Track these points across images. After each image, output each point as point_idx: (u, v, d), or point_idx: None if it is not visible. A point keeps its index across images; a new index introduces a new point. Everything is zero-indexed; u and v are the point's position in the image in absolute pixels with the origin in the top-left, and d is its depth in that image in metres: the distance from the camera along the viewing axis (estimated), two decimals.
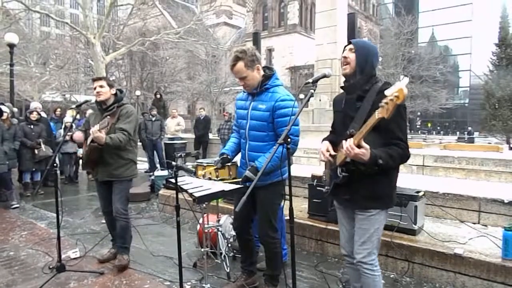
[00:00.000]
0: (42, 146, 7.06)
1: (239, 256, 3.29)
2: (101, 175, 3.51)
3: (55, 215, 3.35)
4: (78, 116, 8.02)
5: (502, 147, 8.00)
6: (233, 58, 2.69)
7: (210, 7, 20.31)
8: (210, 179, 3.11)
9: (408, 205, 3.47)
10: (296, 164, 6.86)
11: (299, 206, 4.50)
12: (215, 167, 2.92)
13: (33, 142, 6.98)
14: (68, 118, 8.33)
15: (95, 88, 3.43)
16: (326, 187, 2.37)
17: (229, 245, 3.68)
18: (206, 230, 3.31)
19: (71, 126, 3.75)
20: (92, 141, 3.26)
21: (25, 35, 22.65)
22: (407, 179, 4.35)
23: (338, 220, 2.46)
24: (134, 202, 6.18)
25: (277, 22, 42.48)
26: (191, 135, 12.47)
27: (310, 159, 7.09)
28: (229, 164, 3.03)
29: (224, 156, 2.90)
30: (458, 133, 38.21)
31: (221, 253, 3.49)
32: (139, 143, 9.94)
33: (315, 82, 2.14)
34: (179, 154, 6.05)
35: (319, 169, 5.13)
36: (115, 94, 3.53)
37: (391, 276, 3.35)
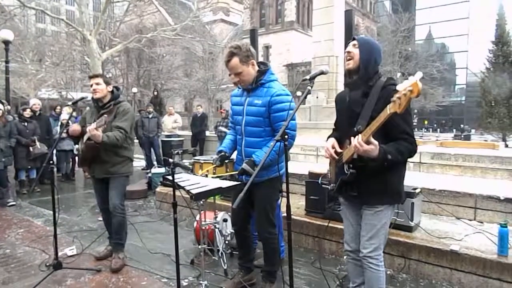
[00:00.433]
0: (37, 143, 7.02)
1: (237, 253, 3.30)
2: (98, 173, 3.51)
3: (51, 212, 3.35)
4: (74, 113, 8.01)
5: (498, 144, 8.04)
6: (227, 54, 2.69)
7: (207, 4, 20.24)
8: (207, 176, 3.11)
9: (405, 202, 3.47)
10: (293, 161, 6.87)
11: (296, 203, 4.51)
12: (214, 165, 2.91)
13: (28, 140, 6.94)
14: (64, 115, 8.29)
15: (91, 85, 3.42)
16: (331, 185, 2.37)
17: (227, 242, 3.69)
18: (203, 227, 3.31)
19: (67, 123, 3.73)
20: (89, 139, 3.25)
21: (21, 31, 22.50)
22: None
23: (343, 216, 2.46)
24: (131, 200, 6.17)
25: (274, 19, 42.36)
26: (188, 132, 12.44)
27: (307, 156, 7.10)
28: (227, 161, 3.03)
29: (222, 153, 2.90)
30: (454, 130, 38.36)
31: (218, 250, 3.49)
32: (136, 141, 9.92)
33: (312, 79, 2.14)
34: (176, 151, 6.07)
35: (316, 166, 5.15)
36: (112, 92, 3.51)
37: (388, 272, 3.36)
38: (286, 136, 2.01)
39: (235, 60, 2.66)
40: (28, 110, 7.27)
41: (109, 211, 3.55)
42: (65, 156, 8.38)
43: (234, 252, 3.67)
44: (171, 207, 2.76)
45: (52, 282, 3.16)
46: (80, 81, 29.90)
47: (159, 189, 5.97)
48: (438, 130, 41.48)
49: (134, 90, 30.07)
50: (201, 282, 2.98)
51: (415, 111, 39.21)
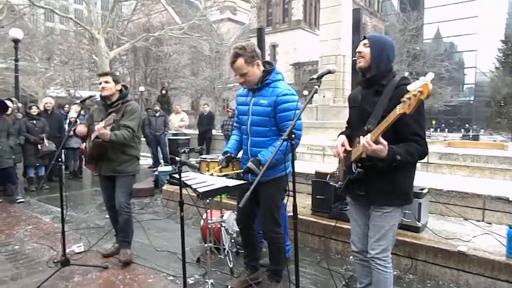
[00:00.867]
0: (45, 141, 7.09)
1: (243, 251, 3.30)
2: (105, 171, 3.53)
3: (59, 209, 3.38)
4: (82, 112, 8.06)
5: (507, 144, 7.94)
6: (232, 54, 2.68)
7: (214, 2, 20.22)
8: (212, 174, 3.12)
9: (412, 202, 3.45)
10: (299, 161, 6.85)
11: (302, 203, 4.50)
12: (220, 166, 2.91)
13: (36, 138, 7.01)
14: (72, 114, 8.36)
15: (100, 83, 3.44)
16: (339, 183, 2.35)
17: (233, 240, 3.69)
18: (209, 226, 3.32)
19: (76, 121, 3.76)
20: (97, 137, 3.27)
21: (30, 30, 22.68)
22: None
23: (350, 216, 2.44)
24: (138, 198, 6.21)
25: (281, 18, 42.29)
26: (195, 131, 12.48)
27: (313, 156, 7.08)
28: (233, 162, 3.03)
29: (228, 154, 2.90)
30: (462, 130, 38.02)
31: (224, 249, 3.50)
32: (143, 139, 9.98)
33: (319, 78, 2.13)
34: (182, 150, 6.10)
35: (323, 166, 5.14)
36: (120, 91, 3.53)
37: (394, 273, 3.33)
38: (293, 136, 2.01)
39: (240, 61, 2.66)
40: (35, 107, 7.32)
41: (116, 209, 3.58)
42: (73, 154, 8.46)
43: (240, 251, 3.67)
44: (177, 205, 2.77)
45: (59, 278, 3.19)
46: (88, 80, 30.12)
47: (166, 187, 6.00)
48: (446, 130, 41.14)
49: (141, 88, 30.22)
50: (207, 280, 2.98)
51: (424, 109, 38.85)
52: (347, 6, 8.92)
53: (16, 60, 10.66)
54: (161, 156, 10.01)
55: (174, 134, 10.37)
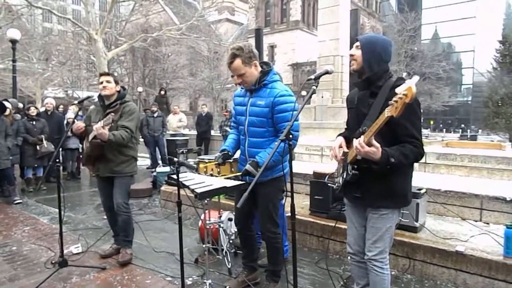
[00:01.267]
0: (44, 142, 7.08)
1: (241, 252, 3.30)
2: (102, 171, 3.53)
3: (57, 210, 3.37)
4: (80, 112, 8.06)
5: (505, 145, 7.96)
6: (230, 55, 2.69)
7: (212, 3, 20.19)
8: (211, 175, 3.12)
9: (410, 203, 3.46)
10: (297, 161, 6.86)
11: (300, 203, 4.50)
12: (216, 162, 2.91)
13: (35, 138, 6.99)
14: (70, 114, 8.35)
15: (101, 82, 3.43)
16: (336, 184, 2.35)
17: (231, 241, 3.69)
18: (207, 226, 3.32)
19: (73, 122, 3.75)
20: (94, 137, 3.27)
21: (27, 31, 22.64)
22: None
23: (347, 217, 2.43)
24: (136, 198, 6.20)
25: (279, 19, 42.36)
26: (193, 132, 12.47)
27: (311, 156, 7.09)
28: (230, 160, 3.03)
29: (225, 152, 2.90)
30: (460, 130, 38.13)
31: (222, 249, 3.50)
32: (141, 139, 9.97)
33: (317, 78, 2.12)
34: (181, 150, 6.07)
35: (321, 166, 5.14)
36: (119, 91, 3.54)
37: (392, 273, 3.35)
38: (290, 136, 2.01)
39: (238, 62, 2.66)
40: (33, 108, 7.32)
41: (114, 209, 3.58)
42: (71, 154, 8.45)
43: (238, 251, 3.67)
44: (175, 206, 2.77)
45: (57, 279, 3.19)
46: (86, 80, 30.09)
47: (164, 188, 6.00)
48: (444, 130, 41.24)
49: (140, 89, 30.22)
50: (205, 281, 2.98)
51: (421, 111, 38.96)
52: (345, 6, 8.93)
53: (14, 61, 10.63)
54: (159, 156, 10.01)
55: (172, 135, 10.36)
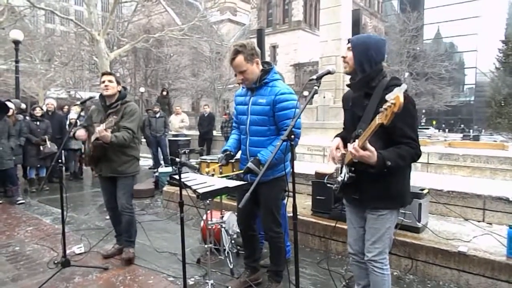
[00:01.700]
0: (47, 142, 7.10)
1: (243, 252, 3.30)
2: (105, 171, 3.54)
3: (60, 210, 3.38)
4: (83, 113, 8.09)
5: (508, 145, 7.94)
6: (232, 51, 2.69)
7: (214, 3, 20.26)
8: (213, 175, 3.12)
9: (412, 202, 3.45)
10: (299, 161, 6.86)
11: (302, 203, 4.50)
12: (220, 164, 2.92)
13: (38, 139, 7.02)
14: (72, 115, 8.37)
15: (103, 82, 3.43)
16: (335, 185, 2.35)
17: (233, 241, 3.70)
18: (209, 227, 3.32)
19: (76, 122, 3.77)
20: (97, 138, 3.28)
21: (30, 32, 22.73)
22: (411, 176, 4.33)
23: (346, 218, 2.43)
24: (138, 199, 6.21)
25: (281, 19, 42.29)
26: (195, 132, 12.48)
27: (313, 156, 7.09)
28: (232, 161, 3.03)
29: (228, 152, 2.90)
30: (459, 131, 37.97)
31: (224, 250, 3.50)
32: (143, 140, 9.98)
33: (319, 79, 2.12)
34: (183, 151, 6.09)
35: (323, 166, 5.13)
36: (120, 92, 3.54)
37: (395, 273, 3.35)
38: (292, 136, 2.01)
39: (240, 58, 2.66)
40: (38, 109, 7.36)
41: (116, 209, 3.60)
42: (73, 155, 8.47)
43: (240, 252, 3.68)
44: (177, 206, 2.77)
45: (60, 279, 3.20)
46: (89, 81, 30.15)
47: (166, 188, 6.00)
48: (447, 130, 41.08)
49: (142, 89, 30.25)
50: (207, 281, 2.99)
51: (423, 111, 38.91)
52: (347, 6, 8.92)
53: (17, 62, 10.68)
54: (162, 157, 10.02)
55: (174, 135, 10.37)
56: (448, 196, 4.07)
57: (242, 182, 2.65)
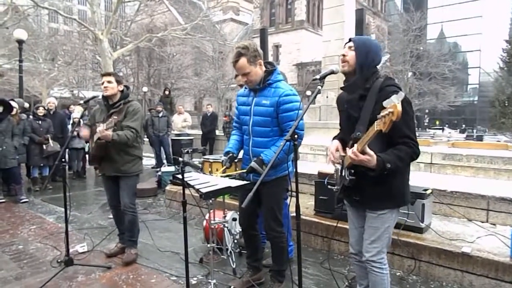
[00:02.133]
0: (50, 141, 7.13)
1: (245, 252, 3.30)
2: (108, 171, 3.55)
3: (63, 209, 3.39)
4: (86, 112, 8.11)
5: (511, 145, 7.90)
6: (235, 54, 2.68)
7: (217, 3, 20.22)
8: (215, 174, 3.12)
9: (416, 203, 3.44)
10: (302, 161, 6.85)
11: (305, 203, 4.50)
12: (225, 167, 2.90)
13: (41, 138, 7.04)
14: (76, 114, 8.39)
15: (103, 83, 3.45)
16: (336, 187, 2.35)
17: (235, 241, 3.69)
18: (212, 226, 3.32)
19: (79, 122, 3.78)
20: (99, 138, 3.28)
21: (34, 31, 22.83)
22: (414, 176, 4.30)
23: (348, 218, 2.44)
24: (141, 198, 6.22)
25: (284, 19, 42.25)
26: (198, 131, 12.49)
27: (316, 156, 7.08)
28: (235, 161, 3.03)
29: (230, 154, 2.90)
30: (459, 130, 37.78)
31: (227, 249, 3.50)
32: (146, 139, 9.99)
33: (322, 78, 2.11)
34: (186, 150, 6.10)
35: (326, 166, 5.12)
36: (122, 91, 3.54)
37: (397, 274, 3.34)
38: (295, 136, 2.00)
39: (243, 61, 2.65)
40: (41, 108, 7.38)
41: (119, 208, 3.60)
42: (77, 154, 8.49)
43: (242, 251, 3.67)
44: (180, 205, 2.77)
45: (63, 278, 3.21)
46: (92, 80, 30.24)
47: (169, 187, 6.01)
48: (458, 130, 40.85)
49: (145, 89, 30.31)
50: (209, 280, 2.99)
51: (426, 111, 38.79)
52: (350, 6, 8.90)
53: (20, 61, 10.71)
54: (164, 156, 10.04)
55: (177, 135, 10.38)
56: (452, 197, 4.05)
57: (245, 182, 2.65)
